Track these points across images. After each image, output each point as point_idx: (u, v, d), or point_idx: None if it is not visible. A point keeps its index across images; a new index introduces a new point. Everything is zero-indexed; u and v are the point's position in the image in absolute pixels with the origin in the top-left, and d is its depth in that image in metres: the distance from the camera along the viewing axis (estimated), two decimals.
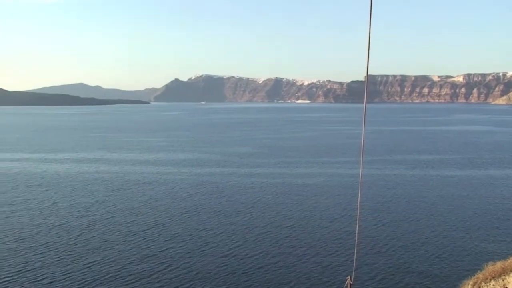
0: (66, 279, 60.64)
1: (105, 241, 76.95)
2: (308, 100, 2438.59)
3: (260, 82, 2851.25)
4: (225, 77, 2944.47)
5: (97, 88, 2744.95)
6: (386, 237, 78.06)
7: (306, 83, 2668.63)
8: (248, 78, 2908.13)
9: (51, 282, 59.66)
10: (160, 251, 71.60)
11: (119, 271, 63.53)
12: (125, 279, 60.77)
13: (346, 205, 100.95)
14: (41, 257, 68.85)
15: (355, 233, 76.88)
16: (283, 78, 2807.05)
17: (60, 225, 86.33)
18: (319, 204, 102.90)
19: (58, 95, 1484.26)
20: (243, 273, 62.94)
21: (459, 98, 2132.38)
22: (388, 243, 74.85)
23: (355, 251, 61.45)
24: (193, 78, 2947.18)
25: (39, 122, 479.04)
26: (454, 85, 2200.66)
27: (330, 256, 69.37)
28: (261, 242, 76.39)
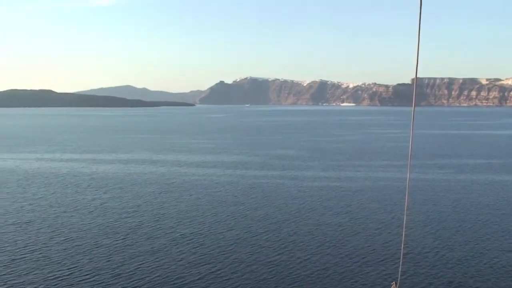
0: (114, 281, 61.37)
1: (153, 243, 77.65)
2: (353, 103, 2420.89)
3: (304, 84, 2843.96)
4: (270, 79, 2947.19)
5: (144, 90, 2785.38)
6: (435, 246, 76.31)
7: (351, 85, 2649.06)
8: (292, 81, 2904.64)
9: (99, 283, 60.49)
10: (207, 255, 71.79)
11: (166, 275, 63.95)
12: (172, 283, 61.15)
13: (392, 211, 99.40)
14: (90, 258, 69.90)
15: (401, 240, 75.56)
16: (328, 81, 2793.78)
17: (109, 226, 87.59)
18: (364, 208, 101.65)
19: (106, 97, 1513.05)
20: (290, 279, 62.53)
21: (508, 101, 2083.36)
22: (437, 252, 73.14)
23: (401, 259, 60.25)
24: (238, 80, 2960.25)
25: (87, 123, 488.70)
26: (502, 88, 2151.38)
27: (376, 263, 68.30)
28: (307, 247, 75.83)
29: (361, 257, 71.06)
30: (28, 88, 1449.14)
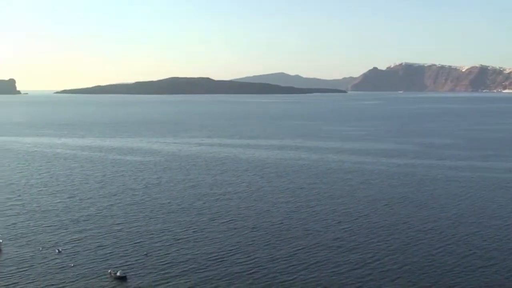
0: (271, 265, 62.95)
1: (307, 228, 78.54)
2: None
3: (463, 70, 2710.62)
4: (425, 65, 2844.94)
5: (297, 77, 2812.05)
6: None
7: None
8: (450, 66, 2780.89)
9: (258, 266, 62.36)
10: (361, 242, 71.22)
11: (321, 260, 64.43)
12: (326, 268, 61.49)
13: None
14: (248, 241, 72.30)
15: None
16: (488, 66, 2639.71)
17: (265, 210, 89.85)
18: None
19: (260, 84, 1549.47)
20: (451, 271, 60.32)
21: None
22: None
23: None
24: (392, 66, 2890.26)
25: (242, 110, 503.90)
26: None
27: None
28: (469, 240, 72.61)
29: None
30: (188, 76, 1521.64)
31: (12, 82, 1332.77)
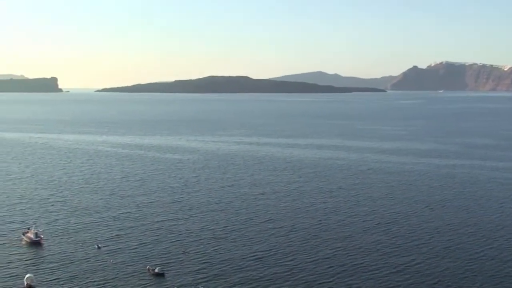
0: (310, 266, 62.52)
1: (346, 230, 77.74)
2: None
3: (505, 69, 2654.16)
4: (467, 64, 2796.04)
5: (335, 76, 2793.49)
6: None
7: None
8: (492, 65, 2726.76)
9: (296, 267, 62.03)
10: (401, 245, 70.25)
11: (360, 263, 63.74)
12: (365, 272, 60.79)
13: None
14: (287, 241, 72.04)
15: None
16: None
17: (304, 210, 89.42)
18: None
19: (298, 83, 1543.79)
20: (493, 276, 58.96)
21: None
22: None
23: None
24: (432, 65, 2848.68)
25: (280, 109, 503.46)
26: None
27: None
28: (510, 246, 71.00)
29: None
30: (227, 75, 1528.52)
31: (54, 80, 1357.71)
